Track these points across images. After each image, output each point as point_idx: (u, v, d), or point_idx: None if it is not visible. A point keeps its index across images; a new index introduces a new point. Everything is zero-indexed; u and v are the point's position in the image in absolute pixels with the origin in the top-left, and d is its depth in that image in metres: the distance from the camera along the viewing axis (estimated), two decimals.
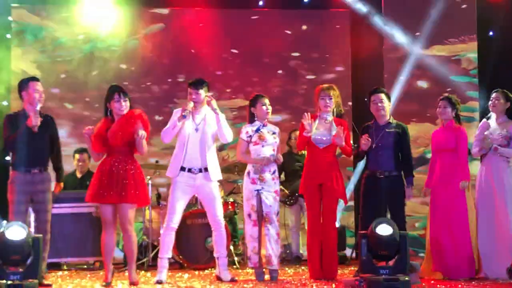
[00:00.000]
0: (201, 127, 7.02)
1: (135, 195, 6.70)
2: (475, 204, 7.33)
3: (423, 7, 10.00)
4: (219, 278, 7.08)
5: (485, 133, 7.31)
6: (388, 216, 7.01)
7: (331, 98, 7.21)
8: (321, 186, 7.16)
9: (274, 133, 7.23)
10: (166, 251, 7.02)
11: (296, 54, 10.56)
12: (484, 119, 7.55)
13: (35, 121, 6.73)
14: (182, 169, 6.98)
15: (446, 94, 7.62)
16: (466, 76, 10.04)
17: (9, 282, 5.58)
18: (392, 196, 7.06)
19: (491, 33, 10.33)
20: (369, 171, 7.22)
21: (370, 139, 7.04)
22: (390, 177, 7.09)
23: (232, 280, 6.94)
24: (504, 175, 7.22)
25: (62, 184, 7.25)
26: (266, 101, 7.25)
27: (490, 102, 7.44)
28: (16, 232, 5.70)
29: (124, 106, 6.76)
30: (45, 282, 6.74)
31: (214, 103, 7.00)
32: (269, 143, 7.14)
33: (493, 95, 7.44)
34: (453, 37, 10.01)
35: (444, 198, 7.19)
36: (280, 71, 10.55)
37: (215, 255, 7.14)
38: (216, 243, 7.11)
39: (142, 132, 6.61)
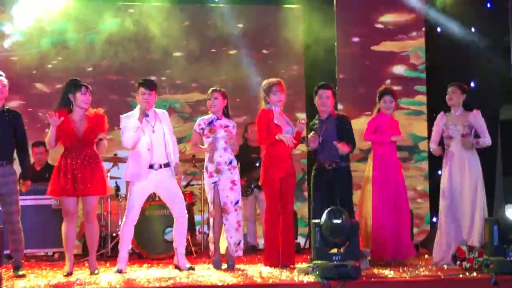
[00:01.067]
0: (157, 127, 7.23)
1: (101, 187, 7.00)
2: (441, 193, 7.65)
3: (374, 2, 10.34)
4: (177, 267, 7.31)
5: (443, 124, 7.63)
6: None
7: (283, 93, 7.47)
8: (282, 178, 7.41)
9: (226, 126, 7.40)
10: (126, 243, 7.24)
11: (250, 49, 10.76)
12: (442, 112, 7.82)
13: None
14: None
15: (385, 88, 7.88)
16: (414, 71, 10.38)
17: None
18: (341, 186, 7.37)
19: (438, 29, 10.69)
20: (318, 162, 7.50)
21: (317, 136, 7.30)
22: (338, 168, 7.41)
23: (191, 268, 7.18)
24: (471, 164, 7.51)
25: (28, 182, 7.23)
26: (214, 95, 7.39)
27: (447, 96, 7.67)
28: None
29: (89, 99, 7.02)
30: (20, 272, 6.91)
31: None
32: (219, 136, 7.35)
33: (449, 89, 7.66)
34: (402, 33, 10.34)
35: (386, 187, 7.51)
36: (234, 66, 10.72)
37: (174, 245, 7.36)
38: (177, 234, 7.33)
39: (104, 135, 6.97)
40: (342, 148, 7.31)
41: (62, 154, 7.01)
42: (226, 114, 7.48)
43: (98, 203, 7.27)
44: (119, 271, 7.06)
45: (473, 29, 10.49)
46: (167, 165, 7.25)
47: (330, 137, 7.39)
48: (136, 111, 7.19)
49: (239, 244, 7.37)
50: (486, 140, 7.56)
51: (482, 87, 10.07)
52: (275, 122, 7.39)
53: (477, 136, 7.58)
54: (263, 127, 7.41)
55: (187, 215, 7.37)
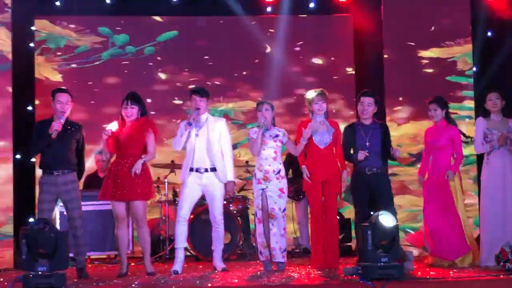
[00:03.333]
0: (202, 133, 7.59)
1: (146, 192, 7.37)
2: (480, 196, 7.87)
3: (422, 11, 10.52)
4: (214, 268, 7.69)
5: (486, 128, 7.82)
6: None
7: (324, 102, 7.78)
8: (323, 183, 7.70)
9: (276, 136, 7.73)
10: (179, 243, 7.59)
11: (302, 58, 11.06)
12: (480, 118, 8.04)
13: (56, 126, 7.17)
14: (191, 169, 7.58)
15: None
16: (462, 77, 10.52)
17: (39, 272, 6.18)
18: (381, 189, 7.67)
19: (489, 33, 10.79)
20: (358, 168, 7.75)
21: (367, 153, 7.60)
22: (377, 174, 7.69)
23: (224, 270, 7.53)
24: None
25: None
26: (265, 106, 7.71)
27: (490, 102, 7.84)
28: (44, 227, 6.34)
29: (130, 112, 7.37)
30: (83, 274, 7.31)
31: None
32: (269, 146, 7.66)
33: (492, 95, 7.86)
34: (449, 40, 10.50)
35: (436, 193, 7.76)
36: (286, 75, 11.01)
37: (212, 248, 7.73)
38: (213, 238, 7.70)
39: (135, 170, 7.26)
40: (398, 153, 7.75)
41: (112, 161, 7.47)
42: (274, 124, 7.82)
43: (151, 208, 7.65)
44: (175, 272, 7.44)
45: None
46: (213, 169, 7.60)
47: (375, 143, 7.70)
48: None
49: (285, 250, 7.64)
50: None
51: None
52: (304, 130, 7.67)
53: None
54: (298, 138, 7.79)
55: (222, 222, 7.66)
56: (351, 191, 7.86)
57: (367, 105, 7.77)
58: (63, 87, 7.63)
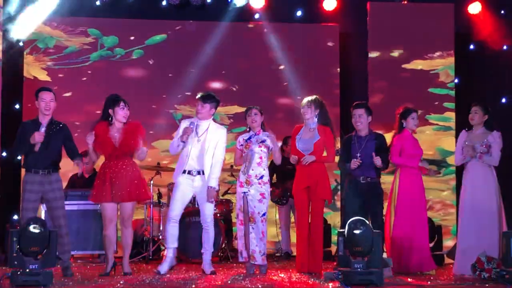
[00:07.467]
0: (203, 139, 7.70)
1: (138, 193, 7.47)
2: (460, 206, 8.05)
3: (405, 23, 10.75)
4: (203, 271, 7.78)
5: (465, 142, 8.03)
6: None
7: (309, 108, 7.92)
8: (309, 188, 7.86)
9: (263, 141, 7.90)
10: (168, 242, 7.68)
11: (287, 66, 11.12)
12: (463, 130, 8.24)
13: (38, 139, 7.27)
14: (183, 171, 7.70)
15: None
16: (444, 89, 10.75)
17: (28, 270, 6.30)
18: (372, 198, 7.82)
19: (471, 46, 11.05)
20: (351, 176, 7.93)
21: (360, 162, 7.75)
22: (370, 183, 7.86)
23: (212, 273, 7.63)
24: (488, 180, 7.93)
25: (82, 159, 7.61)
26: (253, 111, 7.92)
27: (469, 115, 8.08)
28: (35, 226, 6.45)
29: (126, 114, 7.49)
30: (69, 272, 7.41)
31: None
32: (254, 151, 7.84)
33: (472, 108, 8.08)
34: (432, 52, 10.74)
35: (407, 201, 7.94)
36: (270, 82, 11.18)
37: (202, 251, 7.81)
38: (203, 240, 7.80)
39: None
40: (379, 162, 7.79)
41: (102, 164, 7.55)
42: (264, 129, 7.98)
43: (136, 209, 7.72)
44: (158, 272, 7.53)
45: (505, 47, 10.83)
46: (204, 172, 7.71)
47: (368, 154, 7.82)
48: (194, 119, 7.77)
49: (264, 253, 7.80)
50: (491, 159, 7.90)
51: None
52: (297, 137, 7.89)
53: None
54: (293, 143, 7.99)
55: (212, 224, 7.75)
56: (344, 198, 8.02)
57: (358, 116, 7.94)
58: (46, 86, 7.76)
